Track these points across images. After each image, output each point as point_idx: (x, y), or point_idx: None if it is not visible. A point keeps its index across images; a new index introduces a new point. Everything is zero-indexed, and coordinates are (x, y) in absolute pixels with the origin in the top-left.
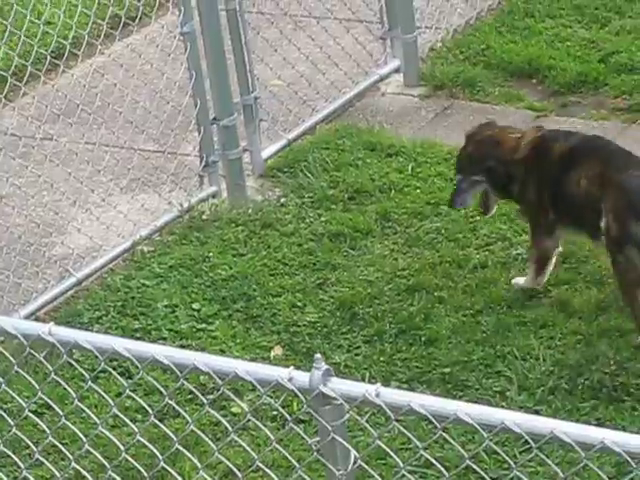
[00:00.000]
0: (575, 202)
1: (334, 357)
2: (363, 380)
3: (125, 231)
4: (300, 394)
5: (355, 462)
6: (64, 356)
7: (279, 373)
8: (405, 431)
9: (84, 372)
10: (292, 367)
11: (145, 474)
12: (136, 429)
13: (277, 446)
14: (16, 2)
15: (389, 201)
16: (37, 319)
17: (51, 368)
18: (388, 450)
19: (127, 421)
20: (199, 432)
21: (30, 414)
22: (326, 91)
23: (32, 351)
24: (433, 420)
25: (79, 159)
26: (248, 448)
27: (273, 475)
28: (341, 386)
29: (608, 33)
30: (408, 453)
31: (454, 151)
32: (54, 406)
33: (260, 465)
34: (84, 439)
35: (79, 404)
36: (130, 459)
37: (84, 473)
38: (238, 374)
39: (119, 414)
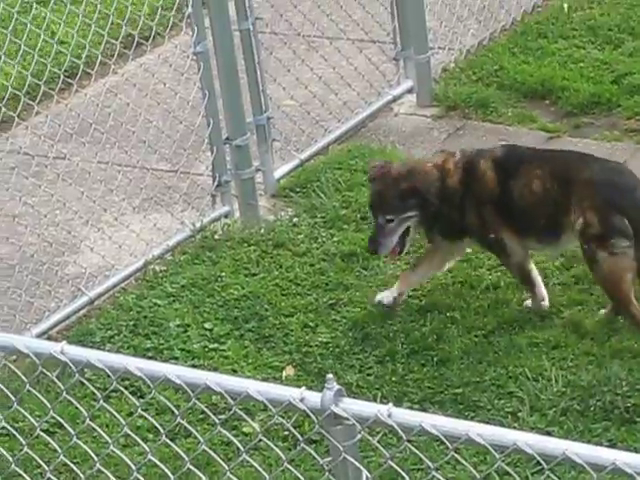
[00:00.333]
0: (528, 208)
1: (346, 377)
2: (375, 400)
3: (137, 250)
4: (312, 414)
5: None
6: (76, 375)
7: (291, 393)
8: (417, 451)
9: (96, 391)
10: (304, 387)
11: None
12: (147, 448)
13: (289, 466)
14: (30, 21)
15: None
16: (49, 338)
17: (63, 387)
18: (400, 470)
19: (139, 440)
20: (211, 452)
21: (42, 433)
22: (339, 111)
23: (44, 370)
24: (445, 441)
25: (92, 178)
26: (260, 468)
27: None
28: (353, 406)
29: (621, 54)
30: (420, 474)
31: None
32: (66, 425)
33: None
34: (95, 458)
35: (91, 423)
36: (141, 478)
37: None
38: (250, 394)
39: (131, 433)
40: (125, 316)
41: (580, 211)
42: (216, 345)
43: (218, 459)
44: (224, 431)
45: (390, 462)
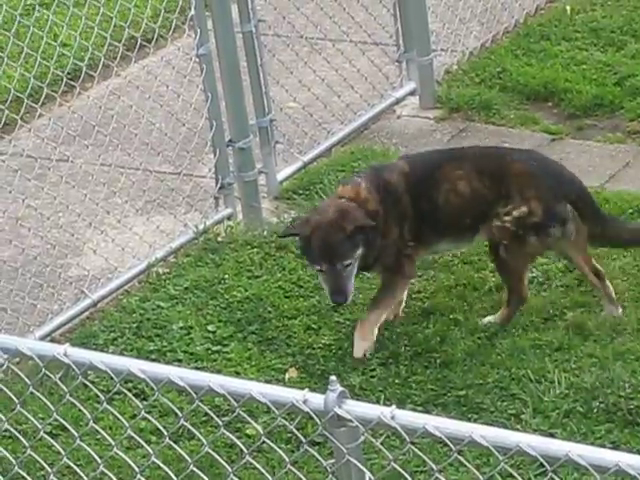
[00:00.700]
0: (455, 211)
1: (349, 379)
2: (378, 402)
3: (140, 253)
4: (315, 416)
5: None
6: (79, 377)
7: (294, 395)
8: (420, 453)
9: (99, 393)
10: (307, 389)
11: None
12: (151, 451)
13: (292, 468)
14: (32, 24)
15: None
16: (52, 340)
17: (66, 389)
18: (403, 472)
19: (142, 443)
20: (214, 454)
21: (45, 435)
22: (342, 113)
23: (47, 372)
24: (448, 442)
25: (95, 181)
26: (263, 470)
27: None
28: (356, 408)
29: (624, 56)
30: (423, 476)
31: None
32: (69, 427)
33: None
34: (99, 460)
35: (94, 425)
36: None
37: None
38: (253, 396)
39: (134, 435)
40: (128, 318)
41: (522, 201)
42: (219, 347)
43: (221, 461)
44: (227, 433)
45: (393, 464)
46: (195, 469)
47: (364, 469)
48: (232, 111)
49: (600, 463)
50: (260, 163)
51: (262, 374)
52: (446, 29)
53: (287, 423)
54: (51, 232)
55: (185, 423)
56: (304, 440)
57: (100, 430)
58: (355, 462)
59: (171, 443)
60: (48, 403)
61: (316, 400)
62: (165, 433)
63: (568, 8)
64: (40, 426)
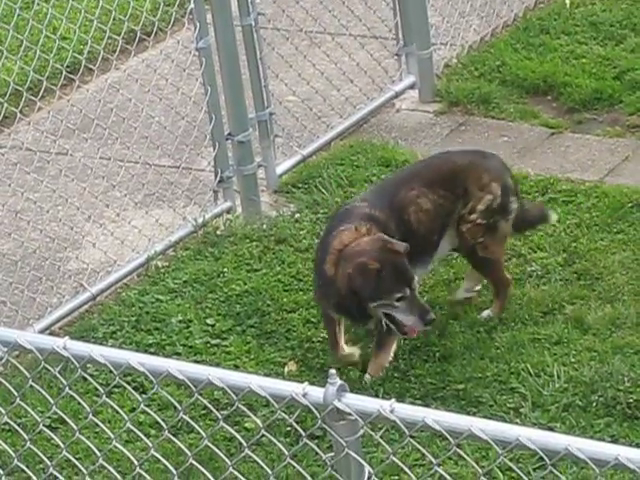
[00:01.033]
0: (428, 228)
1: (348, 373)
2: (377, 396)
3: (139, 246)
4: (314, 409)
5: (369, 478)
6: (78, 371)
7: (293, 388)
8: (419, 447)
9: (98, 387)
10: (306, 383)
11: None
12: (150, 444)
13: (291, 462)
14: (31, 17)
15: None
16: (52, 334)
17: (65, 382)
18: (402, 466)
19: (141, 436)
20: (213, 447)
21: (44, 428)
22: (341, 107)
23: (47, 365)
24: (447, 436)
25: (94, 174)
26: (262, 463)
27: None
28: (355, 402)
29: (623, 50)
30: (422, 469)
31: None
32: (68, 421)
33: None
34: (98, 454)
35: (93, 419)
36: (144, 474)
37: None
38: (252, 389)
39: (133, 429)
40: (127, 312)
41: (482, 191)
42: (218, 341)
43: (221, 454)
44: (226, 426)
45: (393, 457)
46: (194, 462)
47: (363, 462)
48: (231, 104)
49: (599, 457)
50: (259, 157)
51: (261, 367)
52: (446, 23)
53: (286, 416)
54: (50, 225)
55: (184, 416)
56: (303, 433)
57: (99, 423)
58: (354, 455)
59: (170, 436)
60: (47, 396)
61: (315, 393)
62: (164, 426)
63: (567, 2)
64: (39, 419)
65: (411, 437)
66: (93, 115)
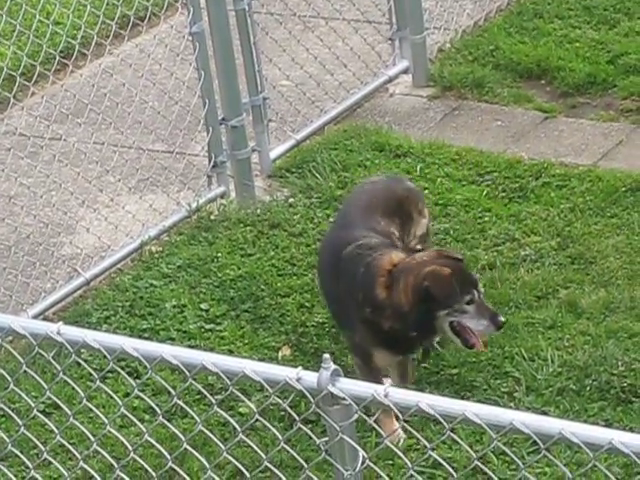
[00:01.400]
0: None
1: (342, 357)
2: None
3: (133, 231)
4: (308, 394)
5: (363, 462)
6: (72, 356)
7: (287, 373)
8: (413, 431)
9: (92, 372)
10: (300, 367)
11: (153, 474)
12: (144, 429)
13: (285, 446)
14: (25, 2)
15: None
16: (45, 319)
17: (59, 368)
18: (396, 450)
19: (135, 421)
20: (207, 432)
21: (38, 414)
22: (334, 92)
23: (40, 351)
24: (442, 420)
25: (88, 159)
26: (256, 448)
27: (281, 475)
28: (349, 386)
29: (617, 34)
30: (416, 454)
31: (462, 152)
32: (62, 406)
33: (268, 465)
34: (92, 439)
35: (87, 404)
36: (138, 459)
37: (92, 473)
38: (246, 374)
39: (127, 414)
40: (121, 297)
41: (419, 215)
42: (212, 326)
43: (215, 439)
44: (220, 411)
45: (387, 442)
46: (188, 447)
47: (357, 447)
48: (225, 89)
49: (593, 441)
50: (253, 141)
51: (255, 352)
52: (439, 7)
53: (280, 401)
54: (44, 210)
55: (178, 401)
56: (297, 418)
57: (93, 408)
58: (348, 440)
59: (164, 421)
60: (41, 381)
61: (309, 378)
62: (158, 411)
63: None
64: (33, 404)
65: (405, 421)
66: (87, 100)
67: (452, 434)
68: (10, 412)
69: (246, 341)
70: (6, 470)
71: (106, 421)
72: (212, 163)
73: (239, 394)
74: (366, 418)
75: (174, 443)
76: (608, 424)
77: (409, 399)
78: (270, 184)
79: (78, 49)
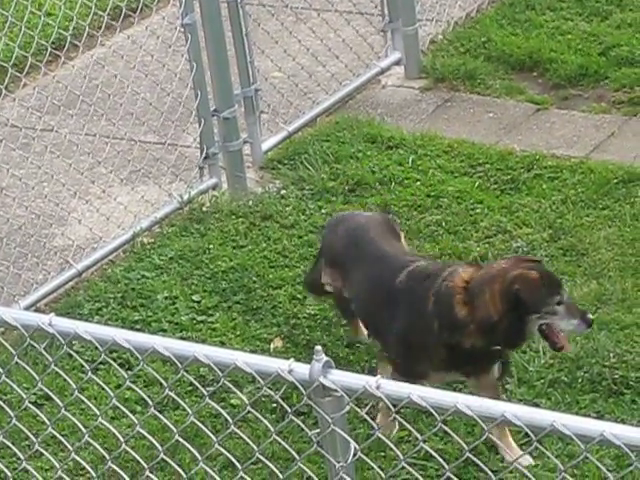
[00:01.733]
0: None
1: (334, 349)
2: (363, 372)
3: (125, 222)
4: (300, 386)
5: (355, 454)
6: (64, 347)
7: (279, 365)
8: (405, 423)
9: (84, 363)
10: (292, 359)
11: (145, 465)
12: (136, 420)
13: (277, 438)
14: None
15: (389, 193)
16: (37, 310)
17: (51, 359)
18: (388, 442)
19: (127, 412)
20: (199, 424)
21: (30, 405)
22: (327, 83)
23: (32, 342)
24: (433, 412)
25: (79, 150)
26: (248, 440)
27: (273, 467)
28: (341, 378)
29: (609, 26)
30: (408, 445)
31: (454, 144)
32: (54, 397)
33: (260, 457)
34: (84, 430)
35: (79, 395)
36: (130, 450)
37: (84, 464)
38: (238, 366)
39: (119, 405)
40: (113, 288)
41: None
42: (204, 317)
43: (206, 431)
44: (212, 403)
45: (378, 434)
46: (180, 439)
47: (349, 439)
48: (217, 81)
49: (585, 433)
50: (245, 133)
51: (247, 344)
52: None
53: (272, 393)
54: (36, 202)
55: (170, 393)
56: (289, 410)
57: (85, 400)
58: (340, 432)
59: (156, 413)
60: (33, 373)
61: (301, 370)
62: (150, 403)
63: None
64: (25, 396)
65: (397, 413)
66: (78, 91)
67: (444, 426)
68: (2, 403)
69: (238, 333)
70: None
71: (98, 412)
72: (204, 154)
73: (231, 386)
74: (358, 410)
75: (166, 434)
76: (600, 416)
77: (401, 391)
78: (262, 176)
79: (70, 40)
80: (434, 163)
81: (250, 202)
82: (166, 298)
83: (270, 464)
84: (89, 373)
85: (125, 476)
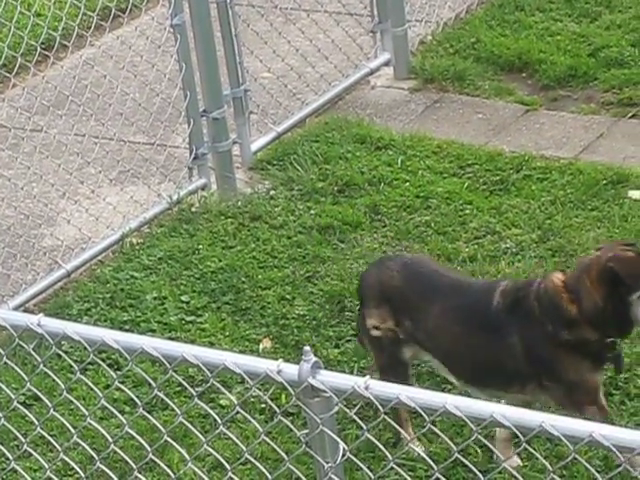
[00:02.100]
0: None
1: (323, 350)
2: (352, 373)
3: (114, 223)
4: (289, 386)
5: (344, 455)
6: (53, 347)
7: (268, 365)
8: (394, 424)
9: (73, 363)
10: (281, 360)
11: (133, 466)
12: (125, 421)
13: (265, 439)
14: None
15: (378, 194)
16: (26, 310)
17: (40, 359)
18: (377, 443)
19: (116, 413)
20: (188, 424)
21: (19, 405)
22: (316, 84)
23: (21, 342)
24: (422, 413)
25: (68, 151)
26: (237, 440)
27: (262, 467)
28: (330, 378)
29: (598, 27)
30: (397, 446)
31: (444, 144)
32: (43, 397)
33: (249, 457)
34: (73, 430)
35: (68, 395)
36: (119, 451)
37: (72, 464)
38: (227, 366)
39: (108, 406)
40: (102, 289)
41: None
42: (193, 318)
43: (195, 431)
44: (201, 403)
45: (367, 434)
46: (169, 439)
47: (338, 439)
48: (206, 81)
49: (573, 434)
50: (234, 133)
51: (236, 344)
52: (420, 0)
53: (261, 393)
54: (25, 202)
55: (159, 393)
56: (278, 410)
57: (74, 400)
58: (329, 432)
59: (145, 413)
60: (22, 373)
61: (290, 370)
62: (139, 403)
63: None
64: (14, 396)
65: (386, 414)
66: (68, 92)
67: (432, 427)
68: None
69: (227, 333)
70: None
71: (86, 413)
72: (193, 155)
73: (220, 386)
74: (347, 410)
75: (154, 435)
76: (588, 417)
77: (389, 392)
78: (251, 176)
79: (59, 41)
80: (423, 164)
81: (239, 203)
82: (155, 298)
83: (259, 464)
84: (78, 373)
85: (114, 476)
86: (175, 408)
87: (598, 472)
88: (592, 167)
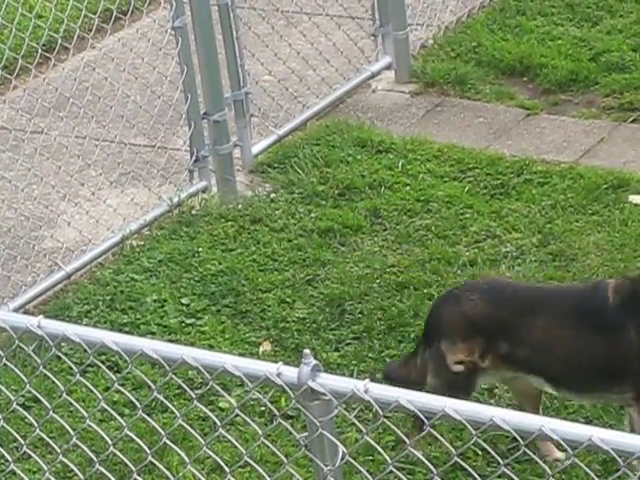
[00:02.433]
0: None
1: (323, 353)
2: (352, 376)
3: (115, 225)
4: (288, 389)
5: (343, 458)
6: (53, 349)
7: (267, 368)
8: (394, 427)
9: (72, 366)
10: (281, 362)
11: (133, 468)
12: (124, 423)
13: (265, 441)
14: None
15: (379, 198)
16: (26, 312)
17: (40, 361)
18: (376, 446)
19: (115, 415)
20: (187, 427)
21: (18, 407)
22: (317, 87)
23: (21, 344)
24: (421, 416)
25: (69, 153)
26: (236, 443)
27: (261, 470)
28: (330, 382)
29: (599, 32)
30: (396, 450)
31: (444, 148)
32: (42, 399)
33: (248, 460)
34: (72, 433)
35: (67, 398)
36: (118, 453)
37: (72, 467)
38: (226, 369)
39: (107, 408)
40: (102, 291)
41: None
42: (193, 320)
43: (194, 434)
44: (201, 406)
45: (366, 438)
46: (168, 442)
47: (337, 442)
48: (207, 84)
49: (573, 437)
50: (235, 136)
51: (236, 347)
52: (422, 3)
53: (261, 396)
54: (25, 204)
55: (158, 396)
56: (277, 413)
57: (73, 402)
58: (328, 435)
59: (144, 416)
60: (21, 375)
61: (290, 373)
62: (138, 405)
63: None
64: (13, 398)
65: (385, 417)
66: (69, 94)
67: (432, 430)
68: None
69: (227, 336)
70: None
71: (86, 415)
72: (194, 158)
73: (219, 389)
74: (346, 413)
75: (154, 437)
76: (588, 421)
77: (389, 395)
78: (252, 179)
79: (60, 43)
80: (424, 167)
81: (240, 205)
82: (155, 301)
83: (258, 467)
84: (77, 375)
85: (113, 479)
86: (175, 410)
87: (597, 476)
88: (593, 171)
